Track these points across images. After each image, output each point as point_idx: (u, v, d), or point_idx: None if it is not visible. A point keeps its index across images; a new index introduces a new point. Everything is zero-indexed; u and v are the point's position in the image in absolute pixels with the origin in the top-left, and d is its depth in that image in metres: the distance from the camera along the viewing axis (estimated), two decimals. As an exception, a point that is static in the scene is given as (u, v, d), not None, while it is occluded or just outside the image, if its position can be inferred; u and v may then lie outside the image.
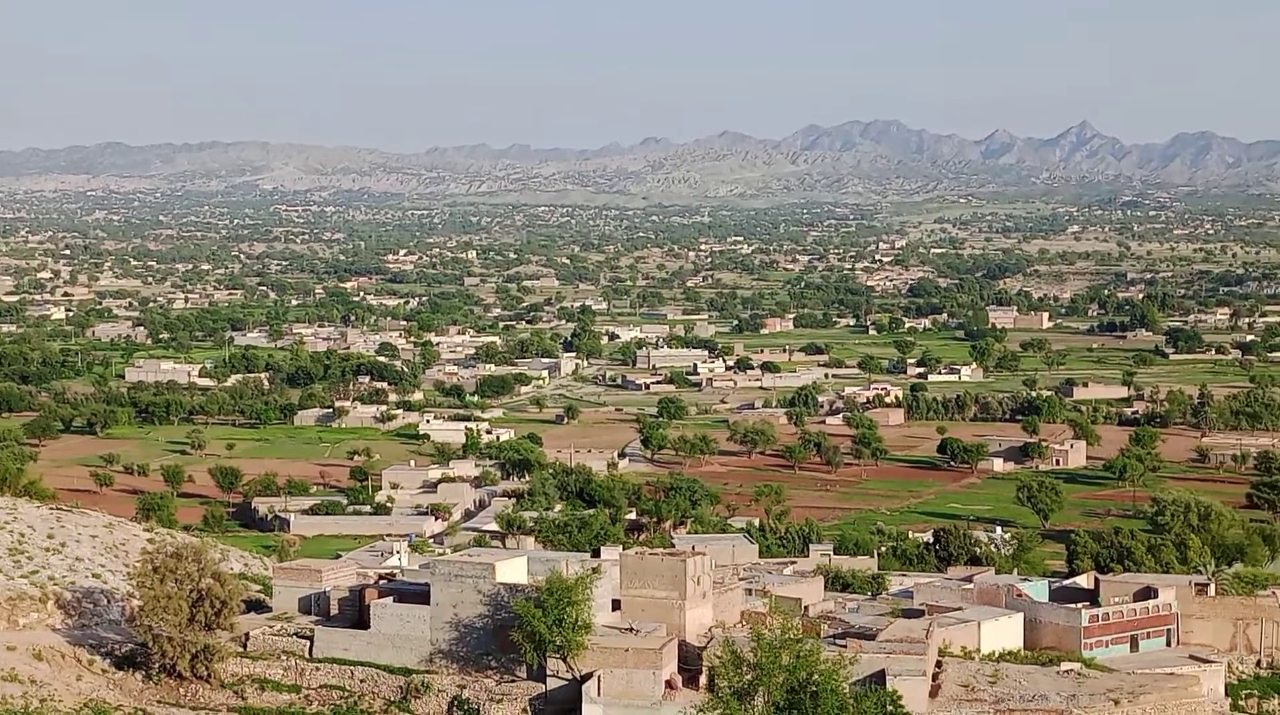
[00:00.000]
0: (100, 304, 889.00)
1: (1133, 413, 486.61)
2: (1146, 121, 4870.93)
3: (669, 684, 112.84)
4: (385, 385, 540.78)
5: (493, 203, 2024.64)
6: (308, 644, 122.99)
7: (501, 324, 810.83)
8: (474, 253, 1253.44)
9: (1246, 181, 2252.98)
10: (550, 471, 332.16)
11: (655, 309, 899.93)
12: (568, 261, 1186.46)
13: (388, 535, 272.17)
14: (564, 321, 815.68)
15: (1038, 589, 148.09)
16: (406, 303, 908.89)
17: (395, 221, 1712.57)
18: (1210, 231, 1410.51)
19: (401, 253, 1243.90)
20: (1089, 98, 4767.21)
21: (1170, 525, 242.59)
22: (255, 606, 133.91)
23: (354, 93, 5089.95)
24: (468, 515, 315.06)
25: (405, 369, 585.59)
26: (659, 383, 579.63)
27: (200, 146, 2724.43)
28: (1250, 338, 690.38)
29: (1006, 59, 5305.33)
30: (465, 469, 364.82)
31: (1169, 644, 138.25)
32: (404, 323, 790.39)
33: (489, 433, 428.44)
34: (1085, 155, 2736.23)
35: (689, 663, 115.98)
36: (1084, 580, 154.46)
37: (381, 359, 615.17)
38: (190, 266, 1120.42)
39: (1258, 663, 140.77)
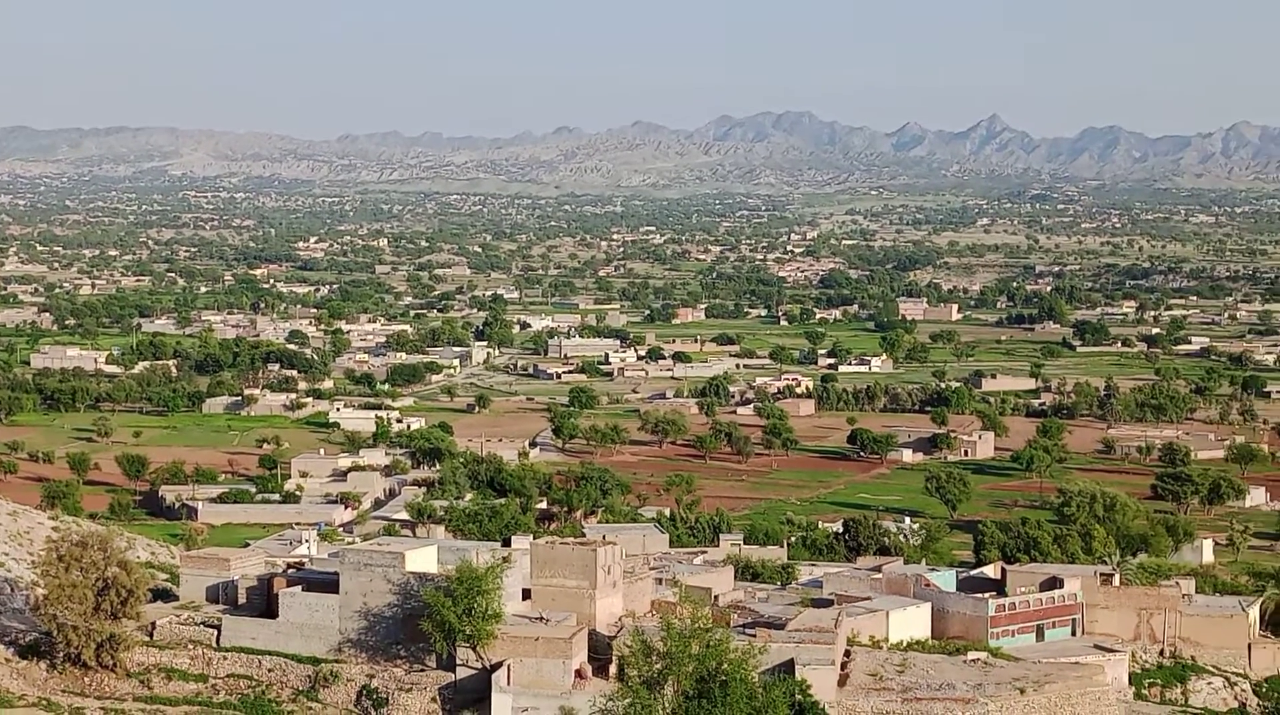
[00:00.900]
0: (5, 289, 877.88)
1: (1040, 404, 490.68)
2: (1055, 116, 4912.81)
3: (579, 673, 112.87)
4: (295, 373, 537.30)
5: (404, 190, 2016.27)
6: (215, 633, 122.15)
7: (413, 312, 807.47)
8: (385, 241, 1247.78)
9: (1153, 176, 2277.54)
10: (461, 460, 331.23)
11: (567, 298, 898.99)
12: (480, 250, 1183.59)
13: (296, 524, 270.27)
14: (475, 310, 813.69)
15: (945, 579, 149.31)
16: (317, 290, 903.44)
17: (306, 208, 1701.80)
18: (1117, 225, 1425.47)
19: (312, 240, 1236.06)
20: (999, 91, 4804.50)
21: (1076, 516, 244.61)
22: (162, 595, 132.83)
23: (265, 78, 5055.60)
24: (378, 504, 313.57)
25: (315, 357, 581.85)
26: (570, 372, 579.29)
27: (108, 131, 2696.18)
28: (1156, 331, 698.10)
29: (918, 52, 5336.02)
30: (375, 457, 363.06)
31: (1074, 633, 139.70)
32: (314, 310, 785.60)
33: (399, 421, 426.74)
34: (995, 148, 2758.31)
35: (599, 652, 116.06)
36: (991, 570, 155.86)
37: (291, 347, 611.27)
38: (97, 252, 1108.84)
39: (1161, 652, 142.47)
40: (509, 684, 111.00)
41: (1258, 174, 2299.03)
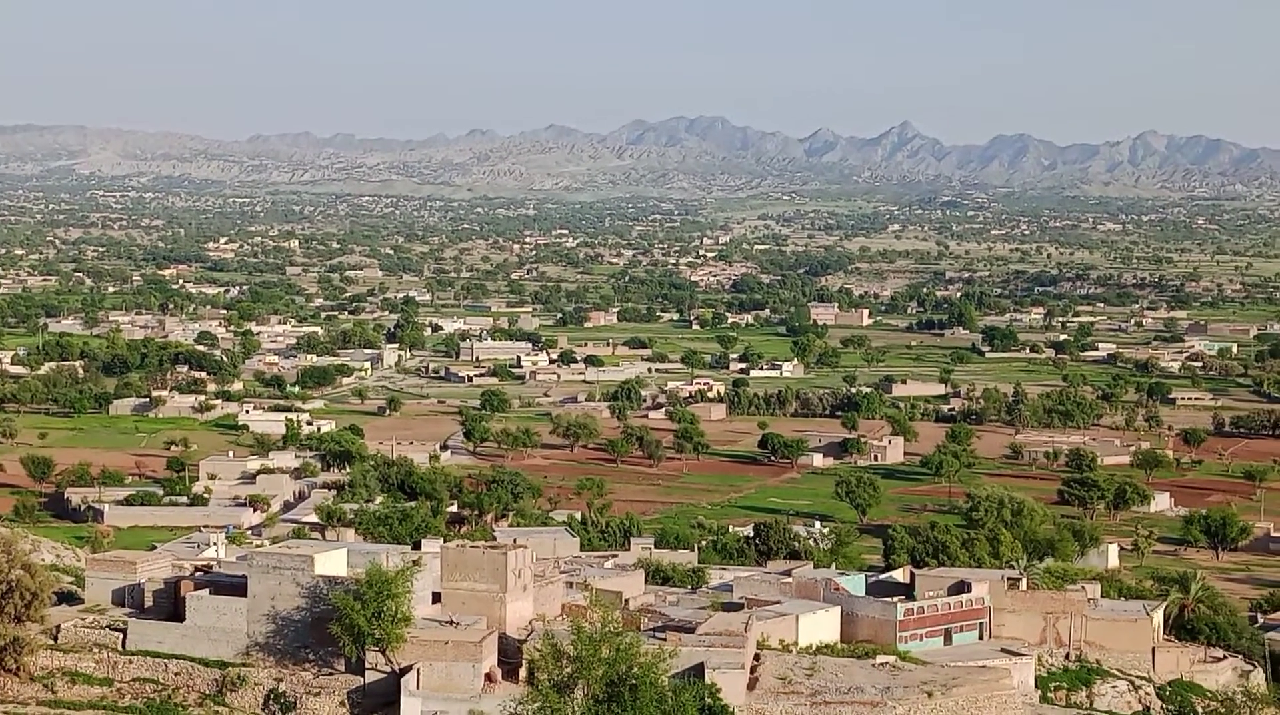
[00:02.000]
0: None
1: (949, 409, 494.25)
2: (966, 123, 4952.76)
3: (489, 677, 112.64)
4: (204, 375, 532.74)
5: (316, 192, 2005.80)
6: (120, 636, 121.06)
7: (324, 314, 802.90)
8: (296, 242, 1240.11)
9: (1062, 184, 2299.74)
10: (371, 463, 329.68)
11: (479, 301, 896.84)
12: (391, 252, 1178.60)
13: (204, 526, 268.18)
14: (387, 312, 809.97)
15: (855, 583, 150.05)
16: (226, 291, 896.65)
17: (216, 209, 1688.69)
18: (1026, 232, 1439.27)
19: (222, 241, 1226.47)
20: (911, 99, 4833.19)
21: (984, 520, 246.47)
22: (67, 598, 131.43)
23: (175, 78, 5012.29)
24: (287, 507, 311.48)
25: (224, 358, 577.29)
26: (482, 375, 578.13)
27: (15, 129, 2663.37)
28: (1063, 337, 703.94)
29: (831, 59, 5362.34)
30: (285, 460, 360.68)
31: (981, 637, 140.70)
32: (224, 312, 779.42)
33: (309, 424, 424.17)
34: (906, 155, 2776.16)
35: (509, 655, 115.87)
36: (900, 574, 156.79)
37: (200, 348, 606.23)
38: (3, 252, 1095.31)
39: (1066, 655, 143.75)
40: (418, 688, 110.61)
41: (1164, 182, 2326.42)
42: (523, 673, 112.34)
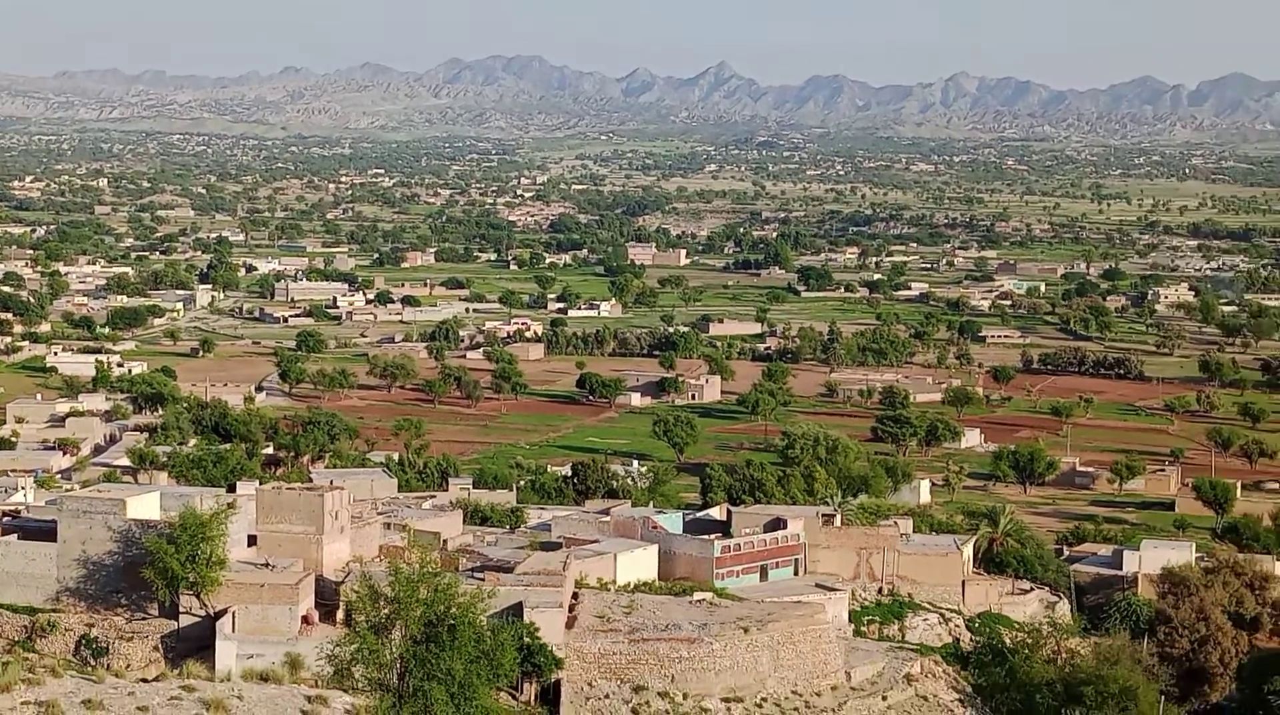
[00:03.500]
0: None
1: (766, 349, 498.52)
2: (782, 64, 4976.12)
3: (305, 619, 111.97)
4: (10, 316, 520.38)
5: (125, 130, 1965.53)
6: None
7: (134, 254, 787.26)
8: (105, 181, 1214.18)
9: (875, 125, 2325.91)
10: (184, 405, 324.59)
11: (294, 241, 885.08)
12: (204, 191, 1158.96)
13: (11, 471, 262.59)
14: (200, 253, 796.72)
15: (672, 521, 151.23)
16: (33, 231, 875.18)
17: (21, 147, 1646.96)
18: (841, 173, 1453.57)
19: (28, 179, 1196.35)
20: (727, 39, 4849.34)
21: (799, 458, 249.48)
22: None
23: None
24: (97, 450, 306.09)
25: (32, 300, 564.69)
26: (298, 316, 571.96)
27: None
28: (877, 276, 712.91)
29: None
30: (95, 403, 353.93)
31: (797, 573, 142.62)
32: (30, 252, 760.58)
33: (120, 366, 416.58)
34: (723, 95, 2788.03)
35: (326, 598, 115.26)
36: (717, 512, 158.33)
37: (6, 289, 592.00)
38: None
39: (879, 590, 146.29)
40: (234, 631, 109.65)
41: (975, 124, 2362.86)
42: (340, 615, 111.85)
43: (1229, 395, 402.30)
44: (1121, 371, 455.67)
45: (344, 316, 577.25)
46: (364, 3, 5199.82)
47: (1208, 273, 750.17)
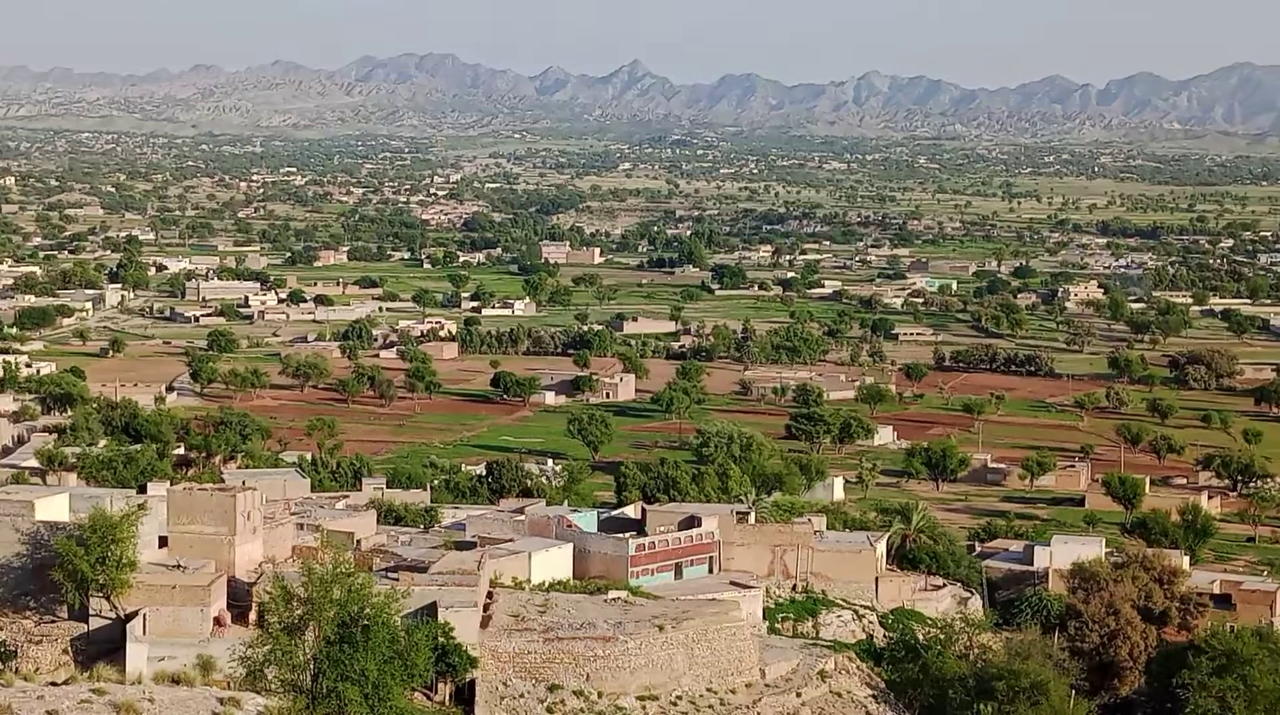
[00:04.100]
0: None
1: (680, 347, 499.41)
2: (695, 63, 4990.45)
3: (217, 621, 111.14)
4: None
5: (32, 127, 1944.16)
6: None
7: (42, 254, 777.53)
8: (12, 179, 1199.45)
9: (788, 123, 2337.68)
10: (94, 406, 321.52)
11: (205, 240, 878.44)
12: (113, 190, 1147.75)
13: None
14: (109, 252, 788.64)
15: (587, 520, 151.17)
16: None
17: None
18: (754, 171, 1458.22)
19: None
20: (641, 37, 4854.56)
21: (714, 456, 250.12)
22: None
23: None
24: (5, 452, 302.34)
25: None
26: (209, 315, 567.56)
27: None
28: (791, 274, 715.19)
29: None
30: (3, 404, 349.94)
31: (711, 570, 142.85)
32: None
33: (29, 366, 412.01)
34: (636, 94, 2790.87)
35: (239, 599, 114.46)
36: (632, 510, 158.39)
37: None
38: None
39: (793, 587, 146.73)
40: (145, 633, 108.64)
41: (887, 122, 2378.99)
42: (253, 616, 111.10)
43: (1138, 392, 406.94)
44: (1032, 368, 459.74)
45: (256, 316, 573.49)
46: (276, 0, 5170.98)
47: (1116, 270, 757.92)
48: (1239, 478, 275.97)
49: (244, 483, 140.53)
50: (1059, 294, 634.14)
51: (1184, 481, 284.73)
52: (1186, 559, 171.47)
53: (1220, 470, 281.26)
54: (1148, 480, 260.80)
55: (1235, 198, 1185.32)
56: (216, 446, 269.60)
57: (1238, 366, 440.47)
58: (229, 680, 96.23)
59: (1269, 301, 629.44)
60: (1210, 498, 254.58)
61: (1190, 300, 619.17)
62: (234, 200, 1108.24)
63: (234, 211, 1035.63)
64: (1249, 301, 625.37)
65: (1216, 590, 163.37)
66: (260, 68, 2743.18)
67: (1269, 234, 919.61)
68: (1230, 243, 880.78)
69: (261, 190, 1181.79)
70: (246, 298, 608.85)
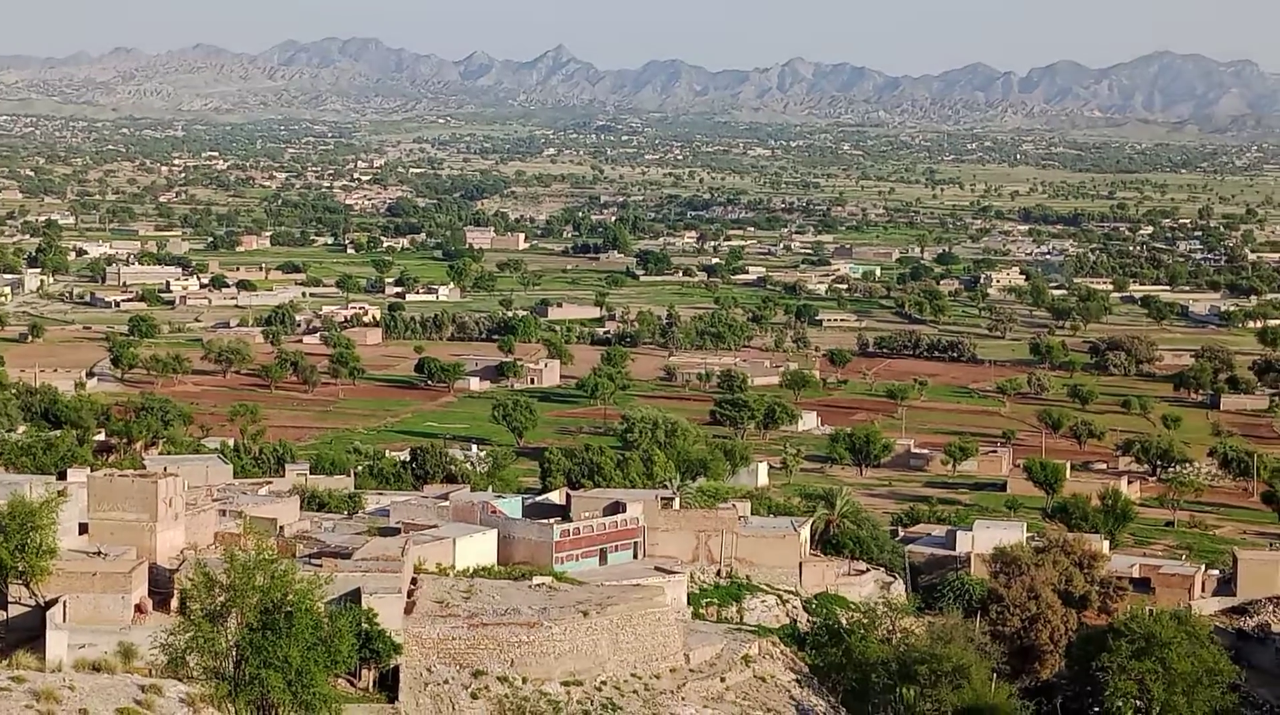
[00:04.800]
0: None
1: (605, 333, 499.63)
2: (620, 48, 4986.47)
3: (139, 608, 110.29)
4: None
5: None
6: None
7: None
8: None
9: (713, 109, 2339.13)
10: (13, 391, 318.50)
11: (126, 225, 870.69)
12: (32, 174, 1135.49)
13: None
14: (28, 236, 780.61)
15: (512, 505, 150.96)
16: None
17: None
18: (679, 157, 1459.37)
19: None
20: (565, 22, 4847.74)
21: (638, 442, 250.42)
22: None
23: None
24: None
25: None
26: (130, 300, 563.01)
27: None
28: (715, 260, 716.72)
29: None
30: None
31: (636, 556, 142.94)
32: None
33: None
34: (561, 79, 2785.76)
35: (160, 586, 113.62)
36: (556, 496, 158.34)
37: None
38: None
39: (718, 572, 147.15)
40: (65, 620, 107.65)
41: (811, 109, 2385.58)
42: (174, 603, 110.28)
43: (1059, 377, 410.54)
44: (955, 354, 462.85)
45: (178, 301, 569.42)
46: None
47: (1038, 257, 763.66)
48: (1158, 463, 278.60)
49: (165, 469, 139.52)
50: (981, 280, 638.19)
51: (1104, 466, 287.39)
52: (1106, 543, 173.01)
53: (1140, 455, 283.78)
54: (1068, 465, 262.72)
55: (1155, 185, 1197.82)
56: (137, 432, 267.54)
57: (1157, 352, 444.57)
58: (150, 667, 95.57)
59: (1188, 288, 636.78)
60: (1130, 483, 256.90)
61: (1110, 287, 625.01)
62: (155, 185, 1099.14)
63: (155, 196, 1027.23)
64: (1168, 288, 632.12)
65: (1136, 574, 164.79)
66: (182, 51, 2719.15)
67: (1188, 221, 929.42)
68: (1150, 230, 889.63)
69: (183, 175, 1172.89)
70: (168, 283, 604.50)
